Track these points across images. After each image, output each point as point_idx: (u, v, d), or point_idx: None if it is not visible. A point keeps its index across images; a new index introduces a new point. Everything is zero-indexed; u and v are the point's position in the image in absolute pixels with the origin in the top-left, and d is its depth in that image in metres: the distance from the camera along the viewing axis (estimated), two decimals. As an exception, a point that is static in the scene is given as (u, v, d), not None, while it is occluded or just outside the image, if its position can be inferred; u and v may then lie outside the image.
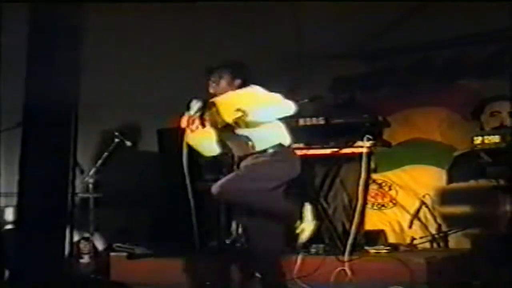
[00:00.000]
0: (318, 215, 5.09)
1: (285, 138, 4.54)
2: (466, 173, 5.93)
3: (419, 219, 6.41)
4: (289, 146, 4.57)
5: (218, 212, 5.83)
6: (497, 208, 5.61)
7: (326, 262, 4.99)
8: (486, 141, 5.52)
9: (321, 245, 5.26)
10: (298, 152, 4.86)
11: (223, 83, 4.59)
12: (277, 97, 4.45)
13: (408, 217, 6.48)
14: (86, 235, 6.03)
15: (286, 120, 4.56)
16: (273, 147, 4.45)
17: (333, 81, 7.16)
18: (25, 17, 5.70)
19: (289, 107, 4.43)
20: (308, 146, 5.43)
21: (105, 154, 6.14)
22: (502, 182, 5.52)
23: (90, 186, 6.15)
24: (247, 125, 4.37)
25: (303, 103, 4.93)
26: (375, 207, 6.68)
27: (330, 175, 5.55)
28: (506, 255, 4.98)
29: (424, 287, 4.76)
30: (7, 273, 5.37)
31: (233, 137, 4.53)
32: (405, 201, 6.63)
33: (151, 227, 6.69)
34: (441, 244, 6.13)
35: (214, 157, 4.78)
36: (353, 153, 5.35)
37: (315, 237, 4.81)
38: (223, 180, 4.48)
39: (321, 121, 5.45)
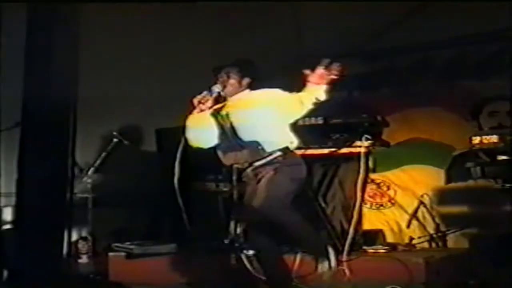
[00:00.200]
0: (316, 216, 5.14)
1: (293, 140, 4.44)
2: (465, 173, 5.92)
3: (418, 219, 6.41)
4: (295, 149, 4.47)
5: (217, 212, 5.83)
6: (495, 208, 5.62)
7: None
8: (484, 141, 5.53)
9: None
10: (297, 152, 4.85)
11: (232, 82, 4.48)
12: (295, 97, 4.34)
13: (406, 217, 6.47)
14: (84, 235, 6.03)
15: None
16: (281, 150, 4.34)
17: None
18: (24, 17, 5.72)
19: (304, 108, 4.32)
20: (307, 146, 5.42)
21: (104, 154, 6.15)
22: (500, 182, 5.52)
23: (89, 186, 6.15)
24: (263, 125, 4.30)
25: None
26: (373, 207, 6.68)
27: (328, 175, 5.54)
28: (504, 255, 4.98)
29: (423, 287, 4.76)
30: (5, 273, 5.38)
31: (240, 142, 4.37)
32: (403, 201, 6.62)
33: (149, 227, 6.69)
34: (440, 244, 6.13)
35: (213, 157, 4.70)
36: (351, 153, 5.34)
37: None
38: (258, 201, 4.26)
39: (320, 120, 5.44)
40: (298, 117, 4.43)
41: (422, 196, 6.45)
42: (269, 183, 4.30)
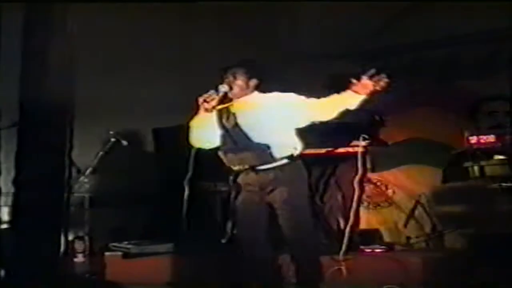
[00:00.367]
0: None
1: (297, 146, 4.39)
2: (462, 172, 5.91)
3: (415, 219, 6.40)
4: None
5: (214, 211, 5.83)
6: (493, 208, 5.61)
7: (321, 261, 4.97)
8: (482, 141, 5.53)
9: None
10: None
11: (239, 83, 4.39)
12: (317, 102, 4.30)
13: (404, 217, 6.46)
14: (81, 234, 6.02)
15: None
16: (287, 157, 4.30)
17: (332, 81, 7.14)
18: (22, 17, 5.71)
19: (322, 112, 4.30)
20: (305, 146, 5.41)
21: (101, 153, 6.13)
22: (497, 181, 5.51)
23: (86, 185, 6.14)
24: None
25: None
26: (371, 207, 6.67)
27: (325, 175, 5.55)
28: (502, 254, 4.97)
29: (420, 287, 4.76)
30: (2, 272, 5.37)
31: (245, 144, 4.31)
32: (401, 200, 6.61)
33: (146, 227, 6.69)
34: (437, 243, 6.12)
35: (212, 157, 4.68)
36: (348, 152, 5.34)
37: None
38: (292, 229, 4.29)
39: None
40: (319, 120, 4.35)
41: (419, 195, 6.43)
42: (291, 208, 4.27)
